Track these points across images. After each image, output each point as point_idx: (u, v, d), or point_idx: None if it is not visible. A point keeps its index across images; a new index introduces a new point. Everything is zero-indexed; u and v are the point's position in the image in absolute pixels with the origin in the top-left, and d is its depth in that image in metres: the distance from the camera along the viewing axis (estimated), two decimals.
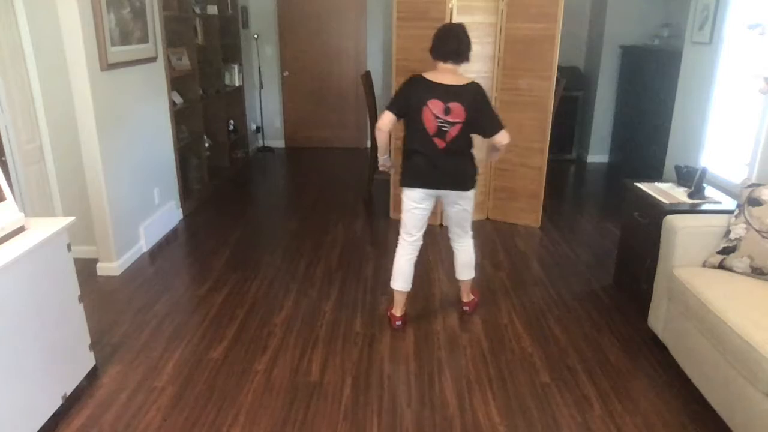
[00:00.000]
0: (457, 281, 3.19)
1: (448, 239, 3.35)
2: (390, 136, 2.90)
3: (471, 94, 2.73)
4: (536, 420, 2.35)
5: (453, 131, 2.74)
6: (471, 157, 2.88)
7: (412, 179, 2.85)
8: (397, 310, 3.05)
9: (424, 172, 2.82)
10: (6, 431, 2.01)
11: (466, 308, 3.24)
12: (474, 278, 3.17)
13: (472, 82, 2.77)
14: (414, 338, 2.96)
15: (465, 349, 2.87)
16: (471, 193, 2.90)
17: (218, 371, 2.67)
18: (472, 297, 3.25)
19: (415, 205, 2.88)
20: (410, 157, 2.84)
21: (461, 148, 2.81)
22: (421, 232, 2.96)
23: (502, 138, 2.78)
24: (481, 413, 2.39)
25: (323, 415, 2.37)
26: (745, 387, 2.07)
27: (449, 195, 2.87)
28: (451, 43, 2.73)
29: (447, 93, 2.71)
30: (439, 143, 2.76)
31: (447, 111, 2.71)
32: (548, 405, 2.45)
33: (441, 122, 2.73)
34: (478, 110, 2.73)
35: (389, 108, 2.78)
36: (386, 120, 2.76)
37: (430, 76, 2.76)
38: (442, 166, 2.80)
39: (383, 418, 2.36)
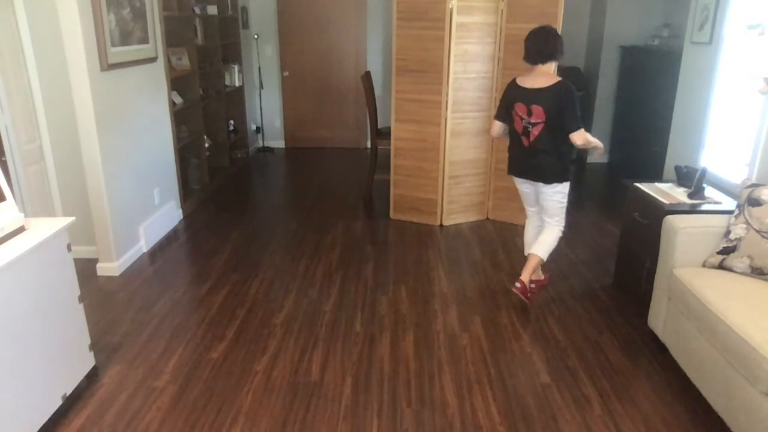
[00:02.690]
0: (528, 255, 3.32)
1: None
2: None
3: (553, 95, 2.95)
4: (536, 420, 2.35)
5: (535, 131, 3.04)
6: (555, 154, 3.07)
7: (510, 169, 3.29)
8: (523, 275, 3.22)
9: (516, 164, 3.24)
10: (6, 431, 2.01)
11: (517, 285, 3.16)
12: (541, 264, 3.30)
13: (558, 83, 2.96)
14: (414, 338, 2.96)
15: (465, 349, 2.87)
16: (553, 187, 3.14)
17: (218, 371, 2.67)
18: (530, 282, 3.20)
19: (519, 187, 3.33)
20: (509, 150, 3.28)
21: (544, 146, 3.06)
22: (534, 208, 3.36)
23: (574, 138, 2.99)
24: (481, 413, 2.39)
25: (323, 415, 2.37)
26: (745, 387, 2.07)
27: (535, 184, 3.19)
28: (535, 44, 2.99)
29: (529, 96, 3.01)
30: (525, 141, 3.11)
31: (529, 113, 3.03)
32: (548, 405, 2.44)
33: (526, 123, 3.06)
34: (559, 110, 2.95)
35: (496, 117, 3.27)
36: (495, 129, 3.29)
37: (520, 80, 3.08)
38: (527, 160, 3.15)
39: (383, 418, 2.36)
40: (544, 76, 3.00)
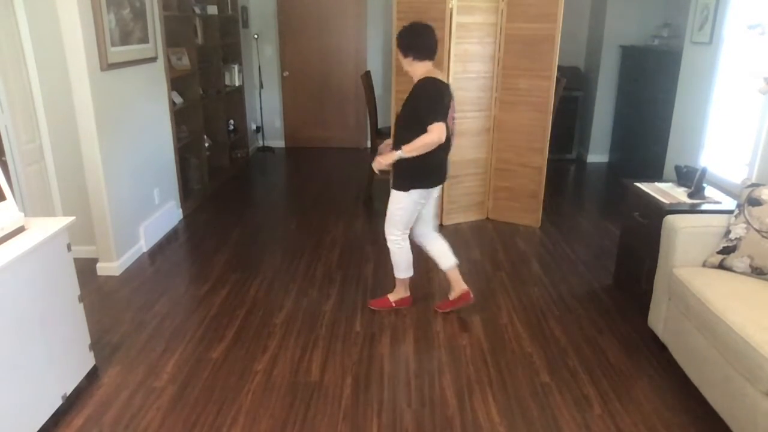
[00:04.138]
0: (446, 274, 3.18)
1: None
2: None
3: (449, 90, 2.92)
4: (536, 420, 2.35)
5: (454, 127, 2.96)
6: None
7: (434, 179, 2.95)
8: (408, 291, 3.26)
9: (443, 170, 2.98)
10: (6, 431, 2.01)
11: (471, 299, 3.17)
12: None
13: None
14: (414, 338, 2.96)
15: (465, 349, 2.87)
16: None
17: (218, 371, 2.67)
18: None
19: (421, 203, 2.98)
20: (434, 159, 2.86)
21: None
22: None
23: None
24: (481, 413, 2.39)
25: (323, 415, 2.37)
26: (745, 387, 2.07)
27: (440, 187, 3.07)
28: (428, 40, 2.83)
29: (449, 92, 2.88)
30: (448, 141, 2.92)
31: (453, 109, 2.92)
32: (548, 405, 2.45)
33: (453, 121, 2.93)
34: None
35: (441, 119, 2.73)
36: (444, 131, 2.75)
37: (439, 77, 2.84)
38: (447, 161, 3.00)
39: (383, 418, 2.36)
40: (440, 71, 2.91)
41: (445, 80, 2.86)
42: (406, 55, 2.84)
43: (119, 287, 3.49)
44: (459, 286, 3.16)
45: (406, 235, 3.07)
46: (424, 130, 2.73)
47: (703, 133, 3.92)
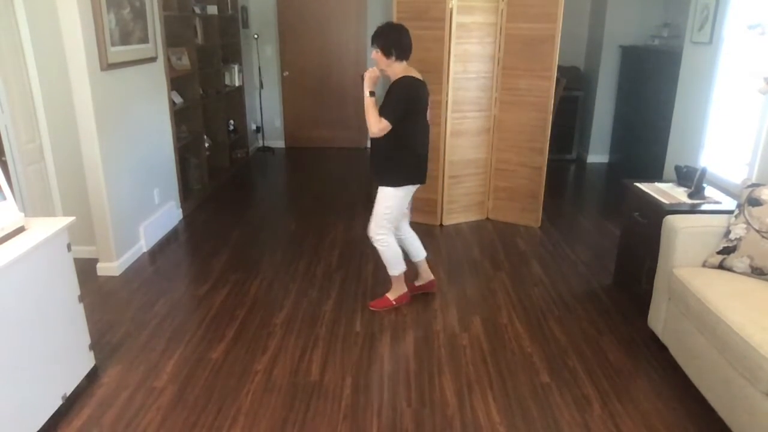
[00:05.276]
0: (417, 264, 3.34)
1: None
2: None
3: None
4: (536, 420, 2.35)
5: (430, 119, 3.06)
6: None
7: (419, 176, 3.05)
8: (405, 287, 3.29)
9: (425, 168, 3.07)
10: (6, 431, 2.01)
11: (426, 290, 3.39)
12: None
13: None
14: (414, 338, 2.96)
15: (465, 349, 2.87)
16: None
17: (218, 371, 2.67)
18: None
19: (407, 199, 3.10)
20: (419, 155, 3.01)
21: None
22: None
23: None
24: (481, 413, 2.39)
25: (323, 415, 2.37)
26: (745, 387, 2.07)
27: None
28: (411, 40, 2.91)
29: (425, 89, 2.97)
30: (427, 138, 3.07)
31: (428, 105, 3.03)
32: (548, 405, 2.44)
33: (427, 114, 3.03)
34: None
35: (392, 123, 2.85)
36: (387, 128, 2.88)
37: (415, 75, 2.92)
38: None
39: (383, 418, 2.36)
40: (414, 69, 2.96)
41: (420, 77, 2.92)
42: (388, 55, 2.86)
43: (119, 287, 3.49)
44: (427, 275, 3.37)
45: (392, 232, 3.13)
46: (398, 132, 2.87)
47: (703, 133, 3.92)
